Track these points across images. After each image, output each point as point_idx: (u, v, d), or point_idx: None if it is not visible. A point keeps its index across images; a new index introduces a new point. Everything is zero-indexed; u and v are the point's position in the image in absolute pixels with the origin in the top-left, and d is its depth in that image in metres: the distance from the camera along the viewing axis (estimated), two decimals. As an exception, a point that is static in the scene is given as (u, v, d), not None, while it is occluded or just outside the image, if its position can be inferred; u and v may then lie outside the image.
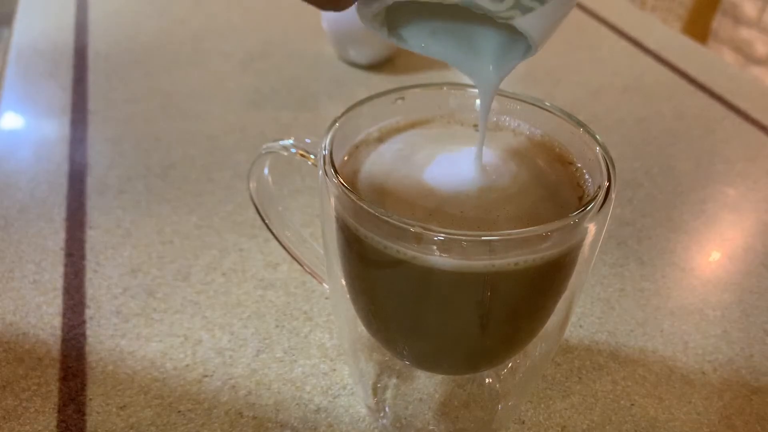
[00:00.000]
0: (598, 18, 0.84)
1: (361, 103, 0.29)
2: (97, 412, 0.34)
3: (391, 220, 0.23)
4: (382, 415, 0.35)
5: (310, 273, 0.36)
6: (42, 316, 0.39)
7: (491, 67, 0.26)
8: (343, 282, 0.31)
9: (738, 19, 1.58)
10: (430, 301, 0.27)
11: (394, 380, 0.37)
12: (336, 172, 0.26)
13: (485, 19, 0.23)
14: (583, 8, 0.86)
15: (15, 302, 0.40)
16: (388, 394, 0.36)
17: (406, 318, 0.28)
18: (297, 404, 0.35)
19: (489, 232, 0.24)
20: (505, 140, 0.30)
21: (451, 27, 0.25)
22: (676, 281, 0.45)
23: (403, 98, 0.30)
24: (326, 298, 0.41)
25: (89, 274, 0.42)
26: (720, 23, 1.62)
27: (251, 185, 0.33)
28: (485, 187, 0.27)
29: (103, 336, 0.38)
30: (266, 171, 0.33)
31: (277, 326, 0.39)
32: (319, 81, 0.66)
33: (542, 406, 0.36)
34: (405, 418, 0.35)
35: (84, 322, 0.39)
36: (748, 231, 0.50)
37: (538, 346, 0.33)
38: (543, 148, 0.30)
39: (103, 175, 0.50)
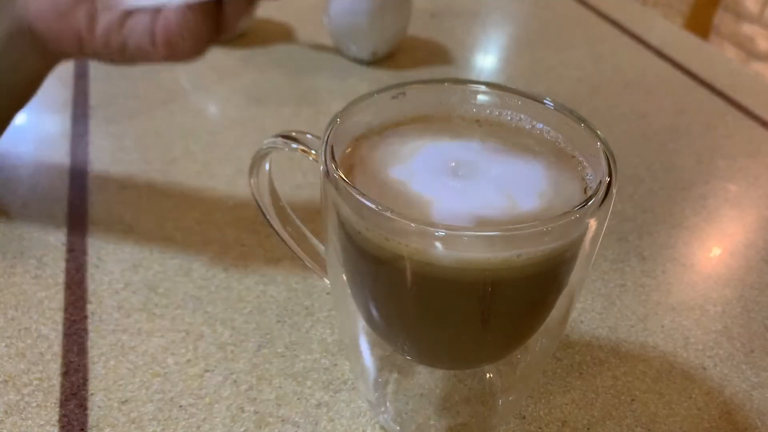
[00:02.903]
0: (600, 13, 0.84)
1: (362, 98, 0.29)
2: (99, 407, 0.34)
3: (392, 215, 0.23)
4: (383, 410, 0.35)
5: (311, 268, 0.36)
6: (44, 312, 0.39)
7: None
8: (345, 277, 0.31)
9: (739, 15, 1.57)
10: (431, 295, 0.27)
11: (395, 375, 0.37)
12: (337, 167, 0.26)
13: None
14: (584, 4, 0.86)
15: (17, 297, 0.40)
16: (389, 389, 0.36)
17: (408, 313, 0.28)
18: (298, 399, 0.35)
19: (490, 227, 0.24)
20: (507, 135, 0.30)
21: None
22: (677, 277, 0.45)
23: (404, 93, 0.30)
24: (327, 294, 0.41)
25: (91, 270, 0.42)
26: (721, 19, 1.62)
27: (252, 181, 0.33)
28: (486, 183, 0.27)
29: (105, 331, 0.38)
30: (267, 166, 0.33)
31: (278, 321, 0.39)
32: (321, 76, 0.66)
33: (543, 401, 0.36)
34: (406, 413, 0.35)
35: (86, 317, 0.39)
36: (749, 227, 0.50)
37: (538, 342, 0.33)
38: (545, 144, 0.30)
39: (104, 170, 0.50)
